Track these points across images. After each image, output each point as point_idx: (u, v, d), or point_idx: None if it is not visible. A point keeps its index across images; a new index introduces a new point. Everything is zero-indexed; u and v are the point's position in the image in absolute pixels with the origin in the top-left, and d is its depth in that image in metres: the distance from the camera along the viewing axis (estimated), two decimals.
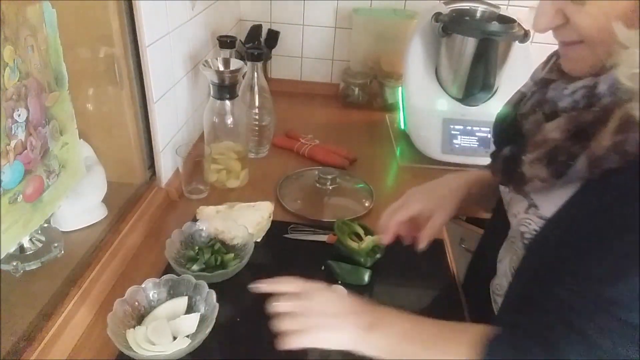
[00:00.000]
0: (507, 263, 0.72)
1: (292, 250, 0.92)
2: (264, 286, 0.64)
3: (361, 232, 0.90)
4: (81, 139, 0.80)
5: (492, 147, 1.07)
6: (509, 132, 0.70)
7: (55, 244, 0.79)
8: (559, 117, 0.59)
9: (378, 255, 0.87)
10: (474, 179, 0.83)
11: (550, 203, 0.60)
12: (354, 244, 0.87)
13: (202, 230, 0.88)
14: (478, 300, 0.80)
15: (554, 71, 0.67)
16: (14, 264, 0.73)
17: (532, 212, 0.63)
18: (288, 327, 0.59)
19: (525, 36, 1.16)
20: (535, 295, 0.59)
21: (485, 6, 1.28)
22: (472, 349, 0.56)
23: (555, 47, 0.65)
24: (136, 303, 0.72)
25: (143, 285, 0.74)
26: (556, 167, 0.57)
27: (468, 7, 1.28)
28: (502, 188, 0.75)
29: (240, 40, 1.33)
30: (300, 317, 0.60)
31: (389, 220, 0.79)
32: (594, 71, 0.57)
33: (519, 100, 0.73)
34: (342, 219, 0.92)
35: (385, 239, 0.79)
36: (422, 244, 0.77)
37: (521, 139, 0.65)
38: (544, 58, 0.72)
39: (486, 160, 0.99)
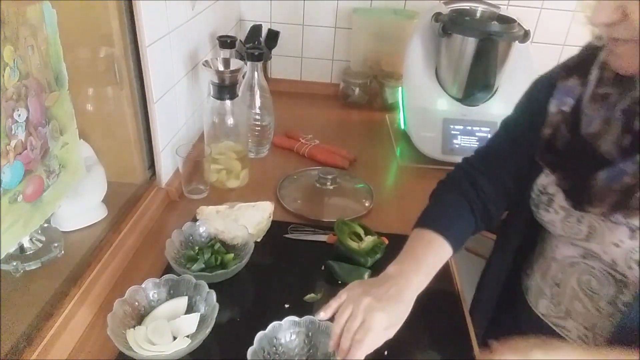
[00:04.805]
0: (575, 285, 0.72)
1: (292, 250, 0.92)
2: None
3: (361, 232, 0.90)
4: (81, 139, 0.80)
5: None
6: (580, 157, 0.67)
7: (55, 244, 0.79)
8: None
9: (378, 255, 0.87)
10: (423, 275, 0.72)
11: None
12: (354, 244, 0.87)
13: (202, 230, 0.88)
14: (508, 324, 0.81)
15: (607, 85, 0.65)
16: (14, 264, 0.73)
17: None
18: None
19: (525, 36, 1.16)
20: None
21: (485, 6, 1.28)
22: None
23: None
24: (136, 303, 0.72)
25: (143, 285, 0.74)
26: None
27: (468, 7, 1.28)
28: (551, 220, 0.72)
29: (240, 40, 1.33)
30: None
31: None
32: None
33: (560, 122, 0.69)
34: (342, 219, 0.92)
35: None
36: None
37: (603, 161, 0.62)
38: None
39: None
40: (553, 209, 0.71)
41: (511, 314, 0.87)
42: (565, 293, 0.74)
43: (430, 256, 0.71)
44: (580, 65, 0.69)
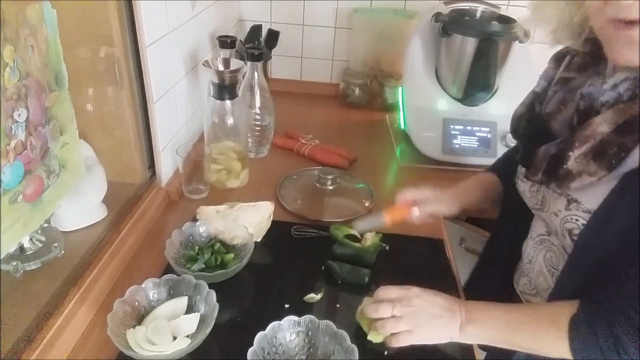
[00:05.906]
0: (541, 261, 0.74)
1: (292, 250, 0.91)
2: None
3: (355, 232, 0.90)
4: (81, 139, 0.80)
5: (499, 148, 1.13)
6: (536, 133, 0.72)
7: (55, 244, 0.79)
8: (598, 111, 0.61)
9: (384, 246, 0.88)
10: (479, 183, 0.92)
11: (592, 196, 0.61)
12: (357, 244, 0.87)
13: (202, 230, 0.88)
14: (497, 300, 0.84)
15: (572, 70, 0.70)
16: (14, 264, 0.73)
17: (575, 207, 0.64)
18: (398, 329, 0.67)
19: (525, 36, 1.16)
20: (602, 287, 0.60)
21: (485, 6, 1.28)
22: (560, 333, 0.60)
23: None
24: (136, 303, 0.72)
25: (143, 285, 0.74)
26: (607, 160, 0.58)
27: (468, 7, 1.28)
28: (524, 190, 0.77)
29: (240, 40, 1.33)
30: (407, 319, 0.67)
31: (400, 195, 0.91)
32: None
33: (533, 100, 0.75)
34: (335, 225, 0.93)
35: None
36: (416, 220, 0.89)
37: (553, 137, 0.67)
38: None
39: (485, 160, 1.01)
40: (522, 179, 0.77)
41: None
42: (534, 269, 0.76)
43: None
44: (562, 52, 0.75)
